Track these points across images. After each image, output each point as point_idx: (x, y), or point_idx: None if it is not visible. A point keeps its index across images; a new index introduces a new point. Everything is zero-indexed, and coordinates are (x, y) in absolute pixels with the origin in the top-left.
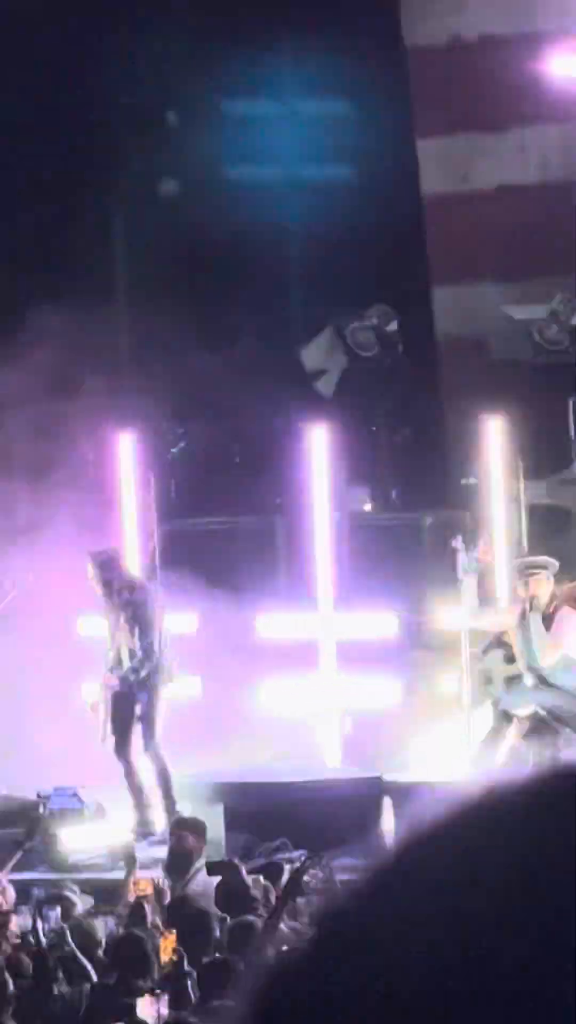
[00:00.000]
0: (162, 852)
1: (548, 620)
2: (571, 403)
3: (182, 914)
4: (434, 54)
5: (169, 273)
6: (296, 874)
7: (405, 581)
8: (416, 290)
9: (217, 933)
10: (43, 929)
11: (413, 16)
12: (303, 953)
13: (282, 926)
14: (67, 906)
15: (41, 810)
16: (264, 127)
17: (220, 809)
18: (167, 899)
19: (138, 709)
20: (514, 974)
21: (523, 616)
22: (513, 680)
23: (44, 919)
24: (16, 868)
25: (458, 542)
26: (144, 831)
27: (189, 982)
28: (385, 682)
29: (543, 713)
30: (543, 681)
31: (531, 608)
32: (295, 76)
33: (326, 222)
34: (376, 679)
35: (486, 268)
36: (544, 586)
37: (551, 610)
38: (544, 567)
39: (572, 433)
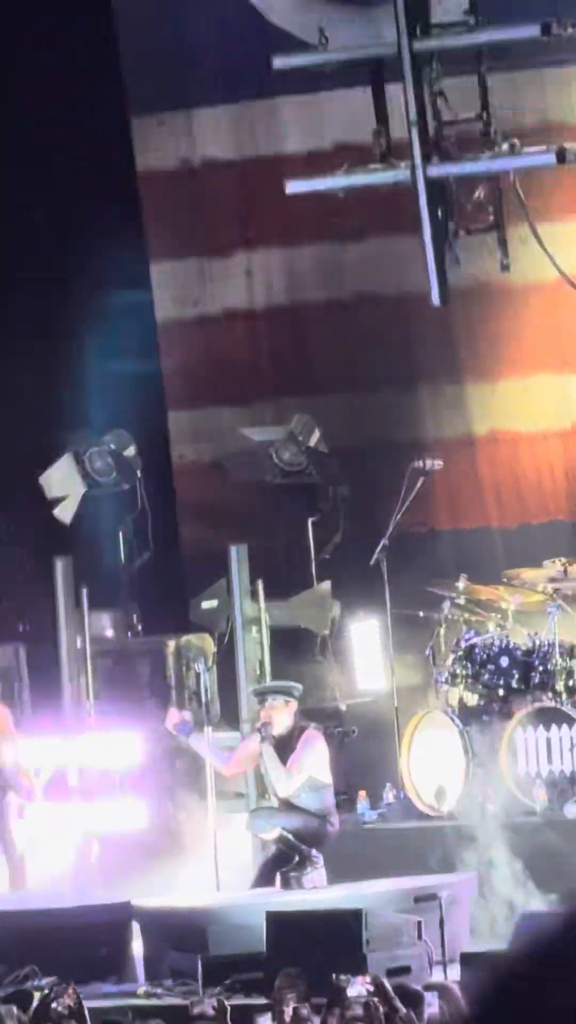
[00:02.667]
0: None
1: (292, 742)
2: (310, 524)
3: None
4: (164, 178)
5: None
6: (44, 1000)
7: (150, 705)
8: (153, 415)
9: None
10: None
11: (145, 139)
12: None
13: None
14: None
15: None
16: None
17: None
18: None
19: None
20: None
21: (260, 742)
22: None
23: None
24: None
25: (200, 666)
26: None
27: None
28: (132, 805)
29: (288, 836)
30: (287, 803)
31: (263, 736)
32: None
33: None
34: (123, 803)
35: (219, 392)
36: (280, 712)
37: (296, 734)
38: (280, 692)
39: (312, 554)
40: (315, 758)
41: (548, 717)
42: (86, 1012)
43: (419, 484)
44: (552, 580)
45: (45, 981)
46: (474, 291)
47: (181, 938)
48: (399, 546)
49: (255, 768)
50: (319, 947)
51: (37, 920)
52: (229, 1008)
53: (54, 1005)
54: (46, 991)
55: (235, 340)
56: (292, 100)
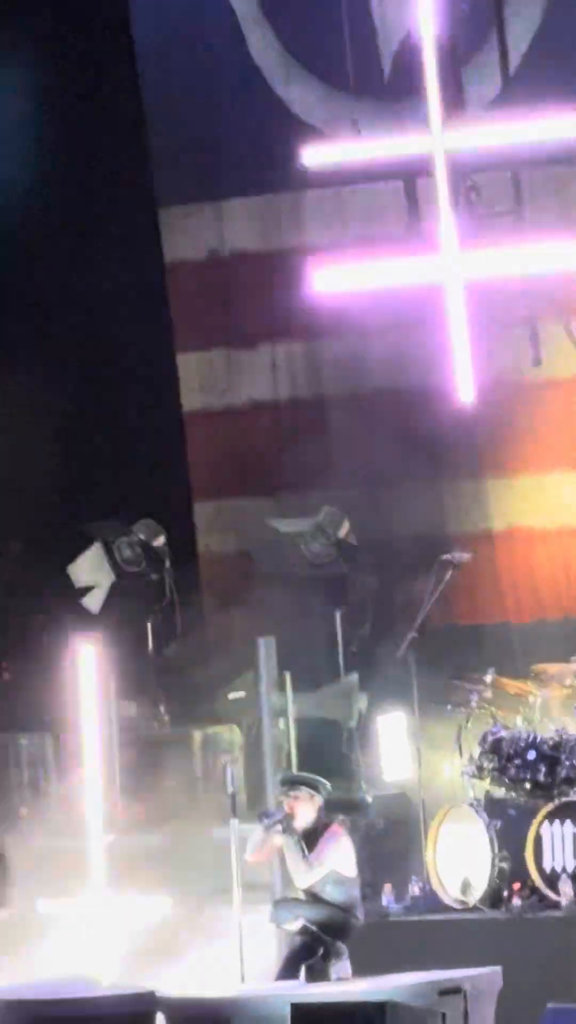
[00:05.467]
0: None
1: (315, 836)
2: (338, 616)
3: None
4: (192, 269)
5: None
6: None
7: (176, 795)
8: (181, 504)
9: None
10: None
11: (173, 231)
12: None
13: None
14: None
15: None
16: None
17: None
18: None
19: None
20: None
21: (282, 834)
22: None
23: None
24: None
25: (227, 757)
26: None
27: None
28: (157, 895)
29: (312, 928)
30: (312, 895)
31: (285, 828)
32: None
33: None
34: (147, 892)
35: (246, 482)
36: (304, 805)
37: (320, 829)
38: (306, 784)
39: (340, 645)
40: (339, 852)
41: (575, 812)
42: None
43: (448, 577)
44: None
45: None
46: (494, 387)
47: None
48: (425, 639)
49: (280, 858)
50: None
51: (59, 1009)
52: None
53: None
54: None
55: (260, 431)
56: (318, 193)
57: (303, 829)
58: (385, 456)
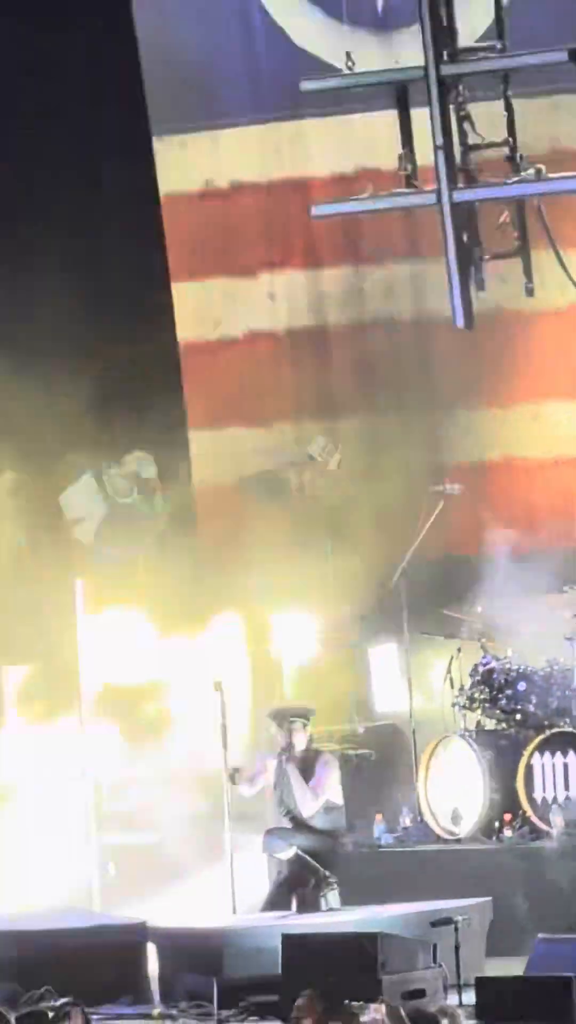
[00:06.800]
0: None
1: (308, 765)
2: (329, 547)
3: None
4: (188, 199)
5: None
6: (52, 1021)
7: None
8: (174, 436)
9: None
10: None
11: (168, 161)
12: None
13: None
14: None
15: None
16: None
17: None
18: None
19: None
20: None
21: (280, 765)
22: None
23: None
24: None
25: (218, 686)
26: None
27: None
28: (147, 825)
29: (304, 856)
30: (303, 824)
31: (287, 758)
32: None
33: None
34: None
35: (240, 414)
36: (300, 735)
37: (313, 756)
38: (299, 715)
39: (331, 577)
40: (335, 780)
41: (565, 742)
42: None
43: (439, 508)
44: (570, 605)
45: (60, 1001)
46: (488, 317)
47: (197, 959)
48: (417, 570)
49: (272, 789)
50: (334, 969)
51: (52, 940)
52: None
53: None
54: (54, 1012)
55: (257, 361)
56: (318, 122)
57: (300, 757)
58: (381, 386)
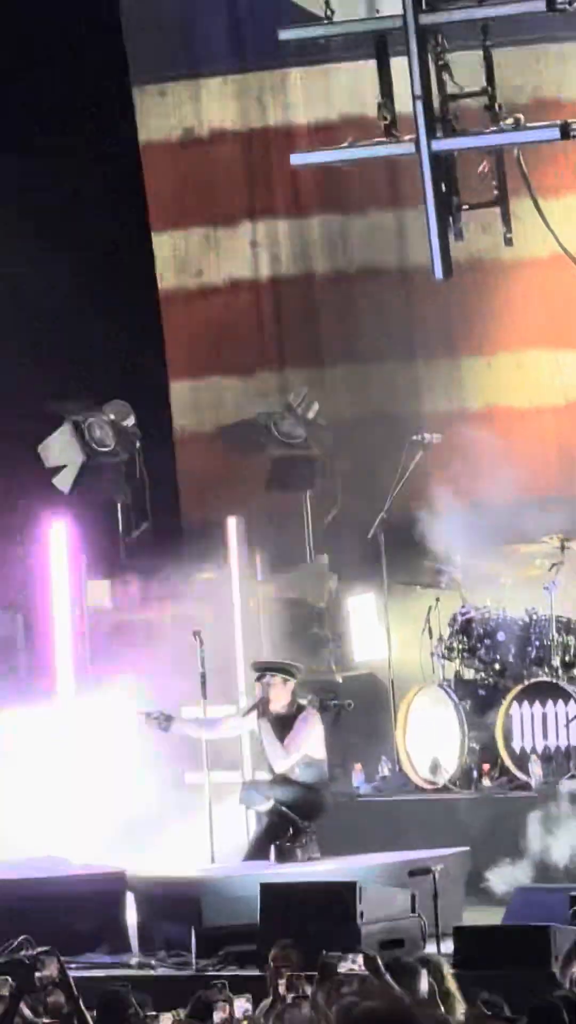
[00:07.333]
0: None
1: (288, 720)
2: (308, 497)
3: None
4: (167, 149)
5: None
6: (28, 971)
7: (146, 675)
8: (154, 385)
9: None
10: None
11: (147, 111)
12: None
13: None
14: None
15: None
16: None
17: None
18: None
19: None
20: None
21: (257, 719)
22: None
23: None
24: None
25: (197, 637)
26: None
27: None
28: (128, 776)
29: (282, 808)
30: (282, 777)
31: (261, 713)
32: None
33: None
34: (119, 772)
35: (221, 363)
36: (278, 689)
37: (293, 712)
38: (279, 670)
39: (310, 527)
40: (312, 736)
41: (544, 692)
42: (71, 982)
43: (417, 458)
44: (549, 555)
45: (36, 951)
46: (470, 266)
47: (175, 909)
48: (397, 520)
49: (250, 742)
50: (313, 919)
51: (30, 889)
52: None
53: (38, 975)
54: (29, 961)
55: (238, 310)
56: (300, 72)
57: (277, 713)
58: (364, 335)
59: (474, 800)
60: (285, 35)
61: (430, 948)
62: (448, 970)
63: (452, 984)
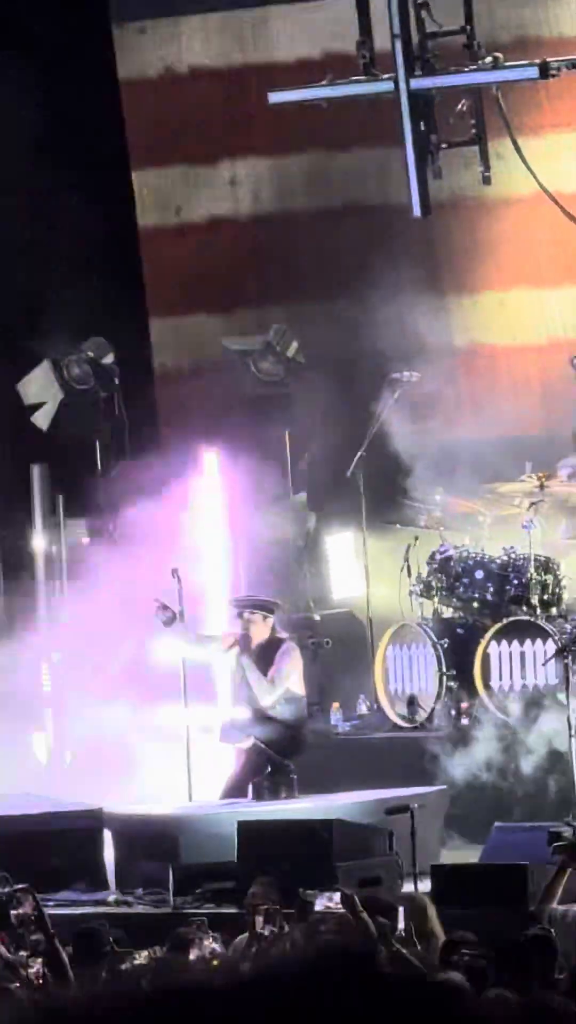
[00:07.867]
0: None
1: (268, 655)
2: (287, 434)
3: None
4: (147, 86)
5: None
6: (3, 908)
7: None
8: (133, 322)
9: None
10: None
11: (126, 48)
12: None
13: None
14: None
15: None
16: None
17: None
18: None
19: None
20: None
21: (238, 655)
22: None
23: None
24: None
25: (175, 575)
26: None
27: None
28: (107, 713)
29: (262, 746)
30: (262, 714)
31: (243, 649)
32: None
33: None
34: (97, 710)
35: (201, 300)
36: (257, 625)
37: (273, 645)
38: (258, 607)
39: (289, 465)
40: (294, 669)
41: (522, 631)
42: (47, 919)
43: (396, 396)
44: (528, 494)
45: (18, 887)
46: (453, 204)
47: (153, 846)
48: (376, 458)
49: (228, 679)
50: (290, 857)
51: (7, 826)
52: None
53: (13, 912)
54: (5, 899)
55: (219, 248)
56: (282, 9)
57: (259, 647)
58: (346, 272)
59: (452, 738)
60: None
61: (407, 886)
62: (432, 911)
63: (436, 924)
